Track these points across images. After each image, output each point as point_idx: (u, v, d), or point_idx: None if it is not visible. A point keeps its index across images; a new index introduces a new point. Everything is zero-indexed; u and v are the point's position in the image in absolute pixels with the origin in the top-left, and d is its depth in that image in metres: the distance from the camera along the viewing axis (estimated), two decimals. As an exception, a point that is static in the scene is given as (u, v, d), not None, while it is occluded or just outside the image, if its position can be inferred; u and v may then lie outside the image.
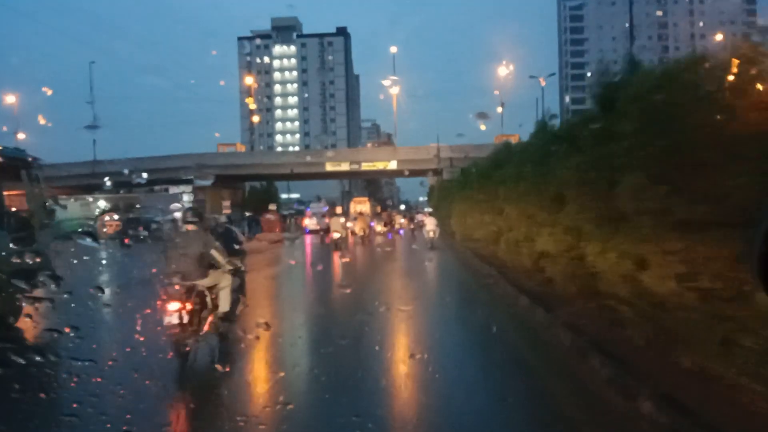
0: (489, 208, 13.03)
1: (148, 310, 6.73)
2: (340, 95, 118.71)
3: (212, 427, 4.50)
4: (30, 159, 9.00)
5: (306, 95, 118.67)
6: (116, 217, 36.07)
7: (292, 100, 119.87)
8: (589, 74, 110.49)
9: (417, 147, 50.83)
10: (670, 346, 4.98)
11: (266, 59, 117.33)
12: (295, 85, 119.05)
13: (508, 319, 8.91)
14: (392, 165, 50.68)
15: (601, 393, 4.99)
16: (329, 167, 49.94)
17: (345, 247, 23.13)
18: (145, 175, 41.99)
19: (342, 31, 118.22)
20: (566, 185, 7.11)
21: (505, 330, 8.03)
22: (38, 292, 8.18)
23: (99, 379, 5.27)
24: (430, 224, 23.35)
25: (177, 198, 46.10)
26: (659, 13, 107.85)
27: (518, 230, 10.39)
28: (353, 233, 27.29)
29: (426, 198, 62.49)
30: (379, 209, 51.66)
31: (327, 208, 47.10)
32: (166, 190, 47.88)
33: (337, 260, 19.79)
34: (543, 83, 46.89)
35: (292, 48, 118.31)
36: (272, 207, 49.52)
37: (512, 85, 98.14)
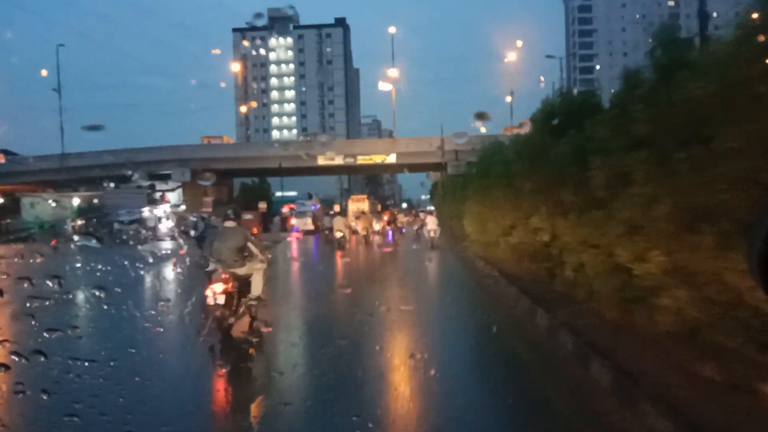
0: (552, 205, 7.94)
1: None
2: (339, 89, 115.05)
3: (250, 383, 5.65)
4: None
5: (303, 89, 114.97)
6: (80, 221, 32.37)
7: (289, 94, 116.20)
8: (598, 67, 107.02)
9: (418, 138, 45.95)
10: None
11: (262, 51, 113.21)
12: (292, 79, 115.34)
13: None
14: (391, 158, 45.92)
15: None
16: (321, 161, 45.18)
17: (345, 246, 23.03)
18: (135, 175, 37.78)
19: (341, 22, 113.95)
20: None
21: None
22: None
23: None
24: (431, 224, 23.45)
25: (142, 195, 41.47)
26: (671, 3, 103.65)
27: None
28: (355, 232, 27.14)
29: (429, 196, 59.05)
30: (379, 208, 48.79)
31: (317, 206, 43.06)
32: (140, 186, 43.28)
33: (339, 260, 19.31)
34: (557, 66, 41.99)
35: (289, 40, 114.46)
36: (262, 205, 45.15)
37: (519, 75, 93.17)
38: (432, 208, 42.41)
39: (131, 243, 27.83)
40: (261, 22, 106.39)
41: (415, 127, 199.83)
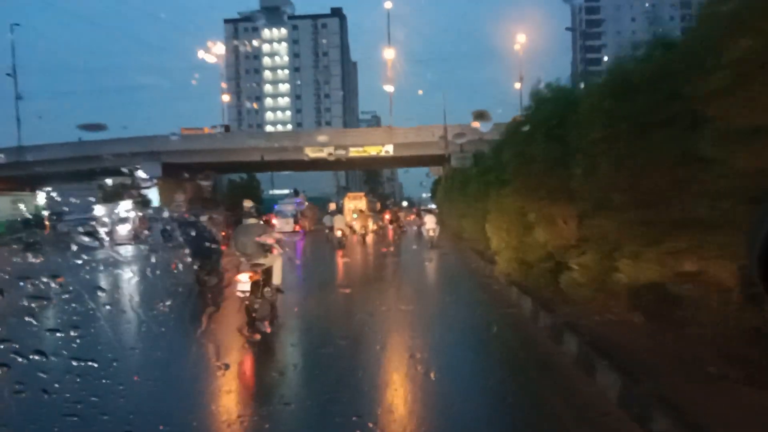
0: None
1: None
2: (335, 82, 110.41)
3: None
4: None
5: (298, 82, 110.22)
6: None
7: (284, 87, 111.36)
8: (605, 58, 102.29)
9: (418, 127, 40.72)
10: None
11: (255, 43, 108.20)
12: (287, 71, 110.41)
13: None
14: (388, 150, 40.90)
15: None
16: (309, 152, 40.11)
17: (344, 245, 23.14)
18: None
19: (337, 12, 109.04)
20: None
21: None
22: None
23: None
24: (430, 223, 23.13)
25: (93, 193, 36.45)
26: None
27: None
28: (353, 232, 26.91)
29: (429, 194, 55.63)
30: (379, 206, 46.53)
31: (304, 205, 38.40)
32: (100, 187, 38.32)
33: (340, 260, 19.36)
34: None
35: (283, 31, 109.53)
36: (247, 204, 40.45)
37: (526, 64, 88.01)
38: (434, 206, 38.43)
39: (75, 250, 22.95)
40: (253, 11, 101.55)
41: (416, 124, 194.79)
